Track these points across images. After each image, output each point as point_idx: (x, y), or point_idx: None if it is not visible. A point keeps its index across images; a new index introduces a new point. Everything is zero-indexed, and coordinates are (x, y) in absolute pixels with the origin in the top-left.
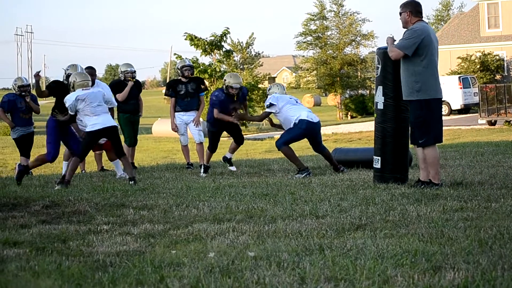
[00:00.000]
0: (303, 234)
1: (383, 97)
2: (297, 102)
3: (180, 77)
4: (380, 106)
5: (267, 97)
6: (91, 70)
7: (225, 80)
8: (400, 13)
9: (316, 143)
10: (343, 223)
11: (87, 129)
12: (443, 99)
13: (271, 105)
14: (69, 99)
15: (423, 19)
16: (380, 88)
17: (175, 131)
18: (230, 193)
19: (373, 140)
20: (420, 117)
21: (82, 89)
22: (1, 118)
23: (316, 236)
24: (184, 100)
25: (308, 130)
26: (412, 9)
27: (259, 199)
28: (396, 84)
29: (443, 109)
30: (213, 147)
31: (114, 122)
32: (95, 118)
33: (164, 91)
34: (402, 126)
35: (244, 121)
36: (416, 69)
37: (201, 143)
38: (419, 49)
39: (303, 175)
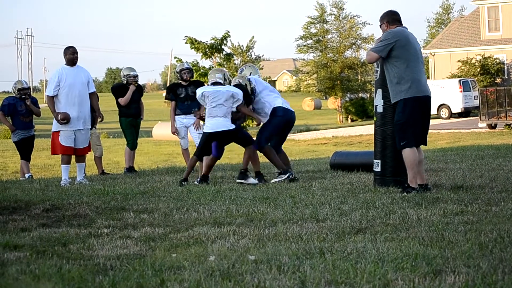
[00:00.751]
0: (303, 238)
1: (382, 100)
2: (274, 89)
3: (180, 81)
4: (380, 109)
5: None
6: (73, 49)
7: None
8: (380, 26)
9: (283, 137)
10: (344, 227)
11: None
12: (443, 103)
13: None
14: (197, 91)
15: (406, 26)
16: (380, 91)
17: (175, 135)
18: (230, 196)
19: (373, 144)
20: (400, 119)
21: (210, 85)
22: (1, 121)
23: (317, 239)
24: (184, 103)
25: (286, 118)
26: (388, 19)
27: (259, 202)
28: None
29: (443, 113)
30: (201, 153)
31: (227, 126)
32: (209, 120)
33: (164, 94)
34: None
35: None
36: (395, 70)
37: None
38: (394, 50)
39: (286, 176)
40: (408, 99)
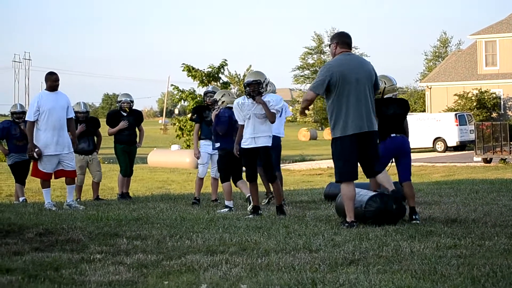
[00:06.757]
0: (296, 268)
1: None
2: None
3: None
4: None
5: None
6: (55, 76)
7: None
8: (329, 45)
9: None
10: (336, 258)
11: None
12: (438, 136)
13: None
14: None
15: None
16: None
17: (198, 158)
18: (224, 225)
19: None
20: (332, 154)
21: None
22: None
23: (309, 270)
24: (209, 127)
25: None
26: (338, 40)
27: (252, 231)
28: None
29: (439, 146)
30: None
31: (262, 143)
32: None
33: (162, 119)
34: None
35: None
36: (329, 104)
37: (216, 179)
38: (330, 85)
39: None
40: (334, 139)
